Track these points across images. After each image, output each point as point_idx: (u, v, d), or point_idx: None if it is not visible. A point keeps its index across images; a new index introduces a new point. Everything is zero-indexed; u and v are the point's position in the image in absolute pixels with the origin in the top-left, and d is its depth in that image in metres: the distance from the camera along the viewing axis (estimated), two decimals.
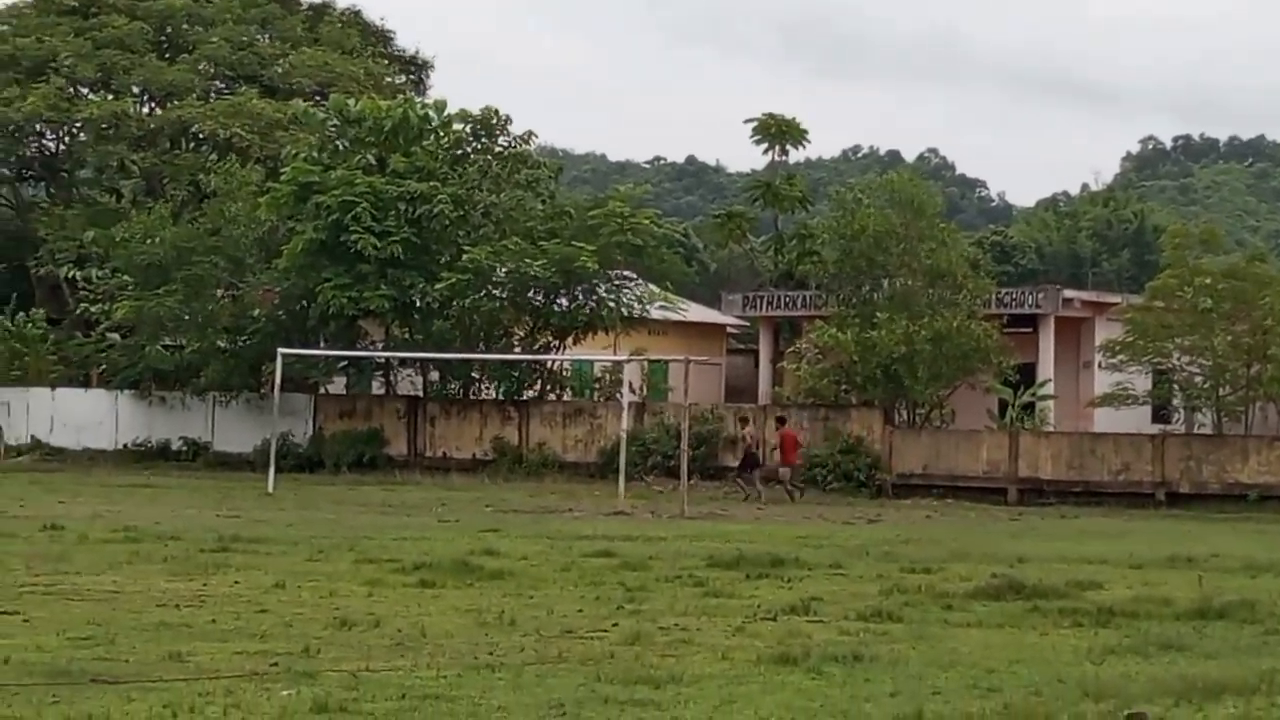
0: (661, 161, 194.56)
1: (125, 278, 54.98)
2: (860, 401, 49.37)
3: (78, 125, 66.56)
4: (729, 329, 68.68)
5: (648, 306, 53.40)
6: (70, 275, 60.49)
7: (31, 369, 58.91)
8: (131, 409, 56.37)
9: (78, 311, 59.94)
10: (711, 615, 18.74)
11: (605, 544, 27.67)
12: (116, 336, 57.00)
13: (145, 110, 66.96)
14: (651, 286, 53.98)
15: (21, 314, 60.18)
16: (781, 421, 48.02)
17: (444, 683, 14.04)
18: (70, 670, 14.38)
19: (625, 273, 53.31)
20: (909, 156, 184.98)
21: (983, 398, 51.28)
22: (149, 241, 54.13)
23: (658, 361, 54.00)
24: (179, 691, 13.44)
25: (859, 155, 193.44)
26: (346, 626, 17.44)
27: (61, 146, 69.55)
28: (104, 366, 58.52)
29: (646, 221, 52.75)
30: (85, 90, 66.64)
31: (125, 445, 55.64)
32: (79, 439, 56.11)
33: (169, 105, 65.72)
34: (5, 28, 67.59)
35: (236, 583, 21.42)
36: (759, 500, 44.07)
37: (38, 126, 67.16)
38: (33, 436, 56.61)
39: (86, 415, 56.72)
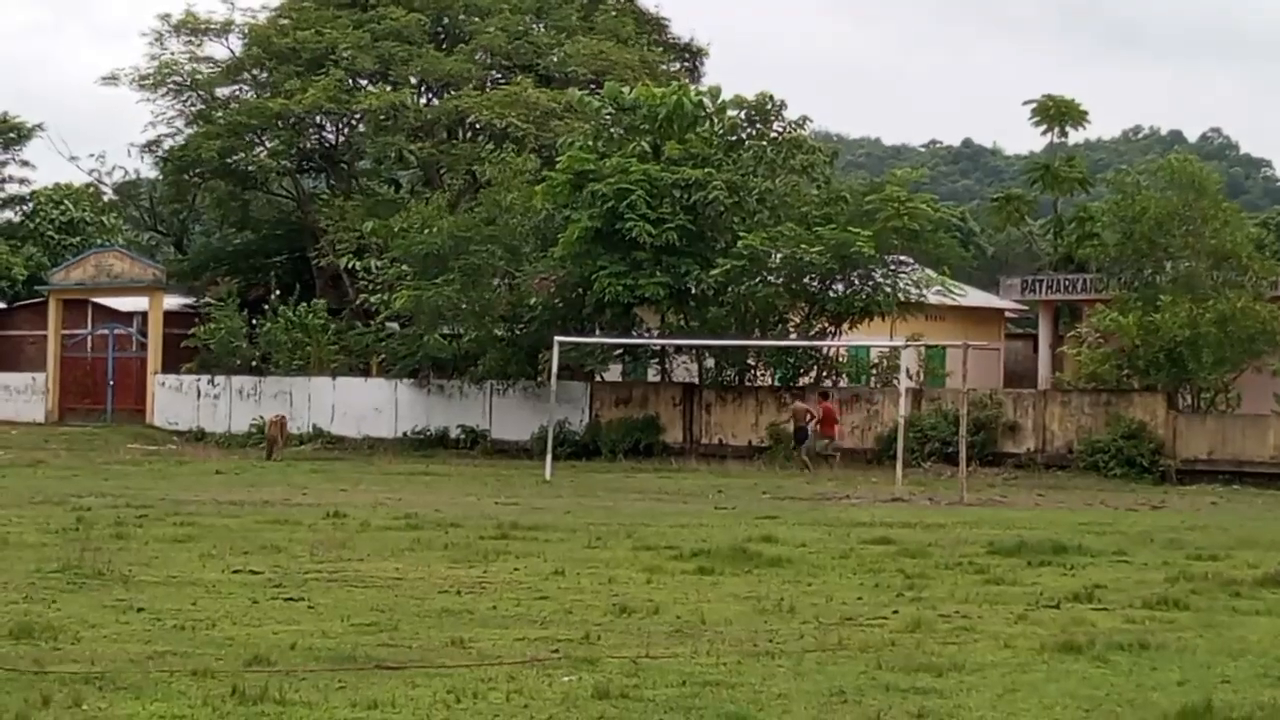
0: (937, 145, 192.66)
1: (404, 268, 55.95)
2: (1143, 386, 48.40)
3: (357, 117, 67.87)
4: (1007, 314, 67.90)
5: (924, 291, 52.91)
6: (350, 266, 61.67)
7: (313, 359, 60.11)
8: (410, 398, 57.31)
9: (358, 302, 61.08)
10: (993, 603, 18.56)
11: (884, 531, 27.53)
12: (395, 326, 58.01)
13: (423, 101, 68.10)
14: (928, 271, 53.44)
15: (303, 305, 61.40)
16: (825, 396, 50.13)
17: (724, 670, 14.08)
18: (355, 656, 14.68)
19: (901, 257, 52.86)
20: (1191, 137, 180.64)
21: (1270, 381, 49.93)
22: (427, 231, 55.01)
23: (935, 347, 53.54)
24: (462, 677, 13.66)
25: (1140, 136, 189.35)
26: (626, 613, 17.57)
27: (341, 138, 71.01)
28: (383, 356, 59.61)
29: (923, 206, 52.24)
30: (364, 82, 67.98)
31: (404, 434, 56.54)
32: (359, 428, 57.17)
33: (446, 95, 66.76)
34: (286, 21, 69.21)
35: (516, 569, 21.70)
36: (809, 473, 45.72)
37: (318, 119, 68.72)
38: (314, 425, 57.76)
39: (366, 404, 57.78)
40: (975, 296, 63.50)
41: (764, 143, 54.96)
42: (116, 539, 24.49)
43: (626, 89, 55.31)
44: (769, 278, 51.50)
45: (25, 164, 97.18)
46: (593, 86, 62.62)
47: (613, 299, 50.76)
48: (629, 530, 27.34)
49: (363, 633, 16.21)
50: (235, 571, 21.07)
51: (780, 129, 55.40)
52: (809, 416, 48.78)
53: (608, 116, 55.38)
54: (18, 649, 14.80)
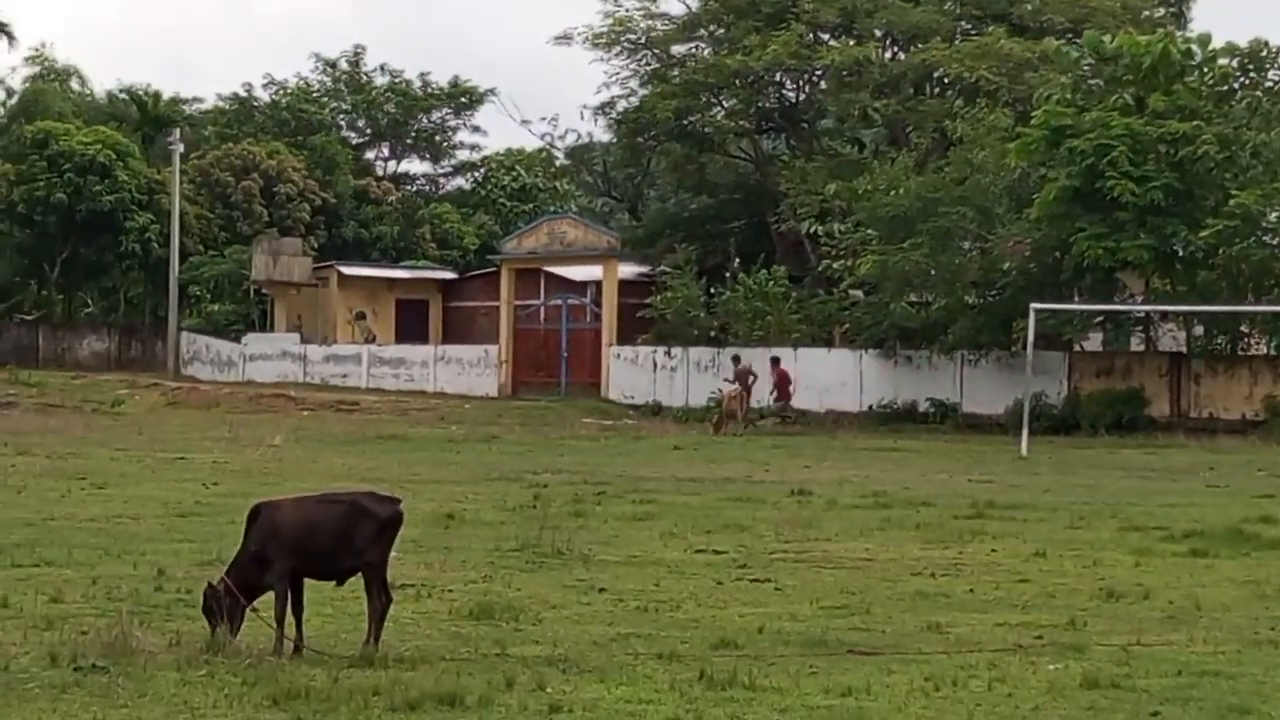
0: None
1: (868, 232, 55.91)
2: None
3: (818, 73, 68.04)
4: None
5: None
6: (812, 230, 61.89)
7: (774, 328, 60.42)
8: (876, 369, 57.20)
9: (819, 268, 61.21)
10: None
11: None
12: (860, 294, 58.00)
13: (888, 55, 67.87)
14: None
15: (763, 272, 61.75)
16: (775, 361, 55.51)
17: (1222, 659, 13.79)
18: (826, 640, 14.78)
19: None
20: None
21: None
22: (892, 193, 54.80)
23: None
24: (939, 664, 13.64)
25: None
26: (1113, 598, 17.34)
27: (801, 96, 71.22)
28: (847, 325, 59.64)
29: None
30: (826, 36, 68.05)
31: (870, 407, 56.46)
32: (822, 400, 57.18)
33: (913, 49, 66.33)
34: None
35: (993, 551, 21.56)
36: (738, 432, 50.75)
37: (778, 76, 68.95)
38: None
39: (829, 376, 57.80)
40: None
41: (1258, 93, 53.28)
42: (575, 516, 25.08)
43: (1107, 37, 54.16)
44: (1264, 238, 49.93)
45: (476, 129, 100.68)
46: (1070, 35, 61.56)
47: (1093, 263, 49.81)
48: (1114, 510, 26.88)
49: (833, 616, 16.30)
50: (698, 551, 21.40)
51: (1277, 78, 53.63)
52: (751, 379, 53.63)
53: (1087, 67, 54.34)
54: (479, 630, 15.29)
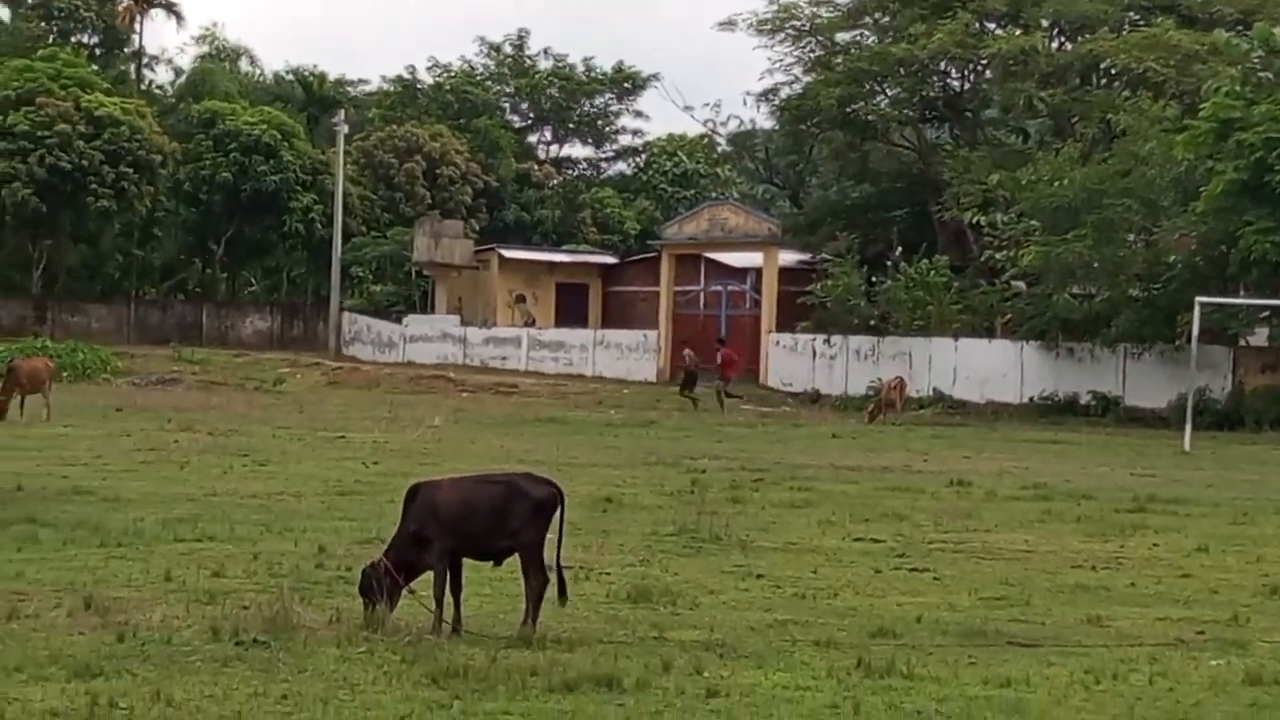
0: None
1: (1032, 222, 55.48)
2: None
3: (984, 62, 67.56)
4: None
5: None
6: (975, 220, 61.47)
7: (935, 319, 60.12)
8: (1038, 361, 56.72)
9: (982, 258, 60.86)
10: None
11: None
12: (1022, 285, 57.56)
13: (1054, 45, 67.22)
14: None
15: (925, 261, 61.43)
16: (721, 343, 59.91)
17: None
18: (985, 631, 14.70)
19: None
20: None
21: None
22: (1057, 184, 54.38)
23: None
24: (1099, 657, 13.54)
25: None
26: (1277, 594, 17.18)
27: (966, 85, 70.76)
28: (1009, 316, 59.23)
29: None
30: (992, 25, 67.55)
31: (1030, 399, 56.04)
32: (982, 391, 56.88)
33: (1080, 39, 65.71)
34: None
35: (1155, 545, 21.36)
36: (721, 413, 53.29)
37: (943, 65, 68.56)
38: (935, 389, 57.78)
39: (990, 367, 57.44)
40: None
41: None
42: (732, 503, 25.09)
43: (1278, 30, 53.32)
44: None
45: (639, 114, 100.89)
46: (1240, 27, 60.59)
47: (1259, 257, 49.04)
48: (1277, 506, 26.59)
49: (991, 607, 16.21)
50: (856, 539, 21.35)
51: None
52: (689, 360, 58.13)
53: (1256, 60, 53.46)
54: (636, 613, 15.33)
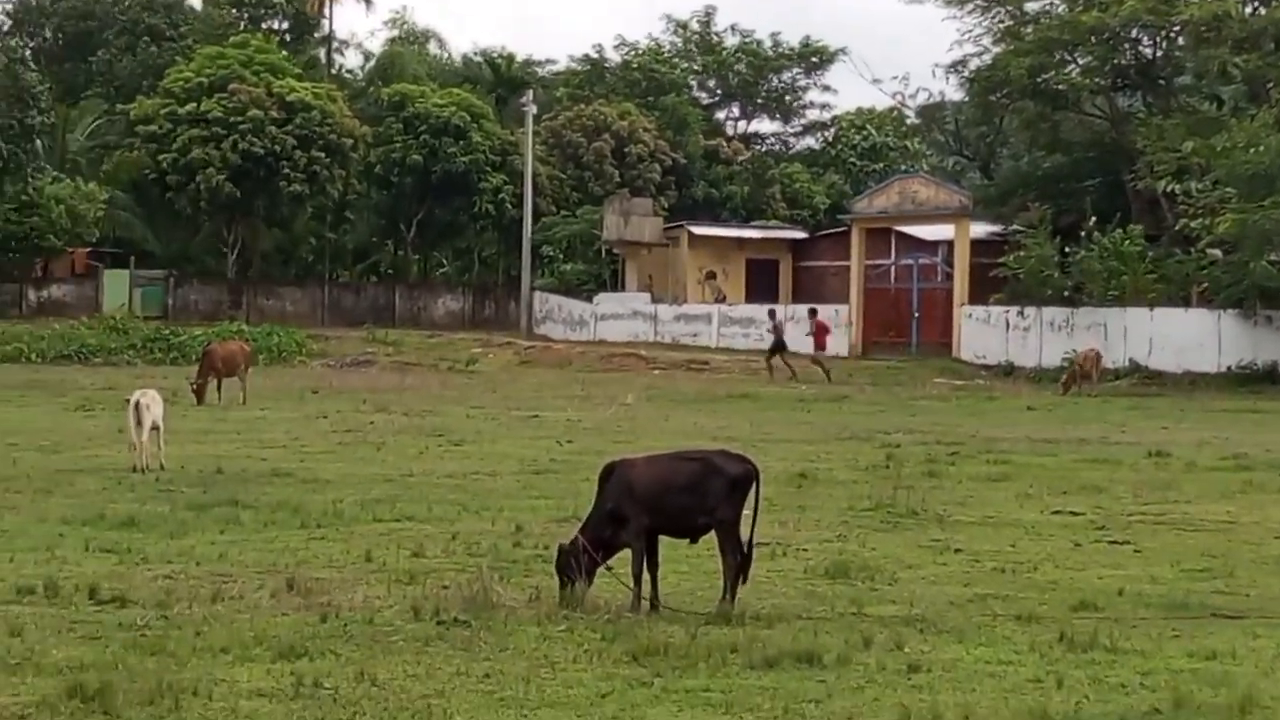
0: None
1: (1227, 190, 54.59)
2: None
3: (1176, 29, 66.46)
4: None
5: None
6: (1169, 189, 60.59)
7: (1129, 288, 59.36)
8: (1235, 329, 55.80)
9: (1176, 227, 60.01)
10: None
11: None
12: (1218, 253, 56.64)
13: (1248, 10, 65.99)
14: None
15: (1118, 231, 60.66)
16: (813, 313, 61.26)
17: None
18: (1188, 603, 14.53)
19: None
20: None
21: None
22: (1252, 150, 53.44)
23: None
24: None
25: None
26: None
27: (1159, 52, 69.65)
28: (1205, 285, 58.33)
29: None
30: None
31: (1228, 368, 55.14)
32: (1179, 361, 56.08)
33: (1274, 3, 64.51)
34: None
35: None
36: (793, 378, 55.32)
37: (1134, 32, 67.54)
38: (1130, 359, 57.04)
39: (1187, 336, 56.62)
40: None
41: None
42: (928, 477, 24.98)
43: None
44: None
45: (826, 89, 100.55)
46: None
47: None
48: None
49: (1194, 579, 16.02)
50: (1054, 512, 21.16)
51: None
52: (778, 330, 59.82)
53: None
54: (834, 589, 15.31)
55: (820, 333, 59.37)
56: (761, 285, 77.25)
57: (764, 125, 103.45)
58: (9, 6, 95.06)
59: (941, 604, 14.57)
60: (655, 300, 75.44)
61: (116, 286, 77.10)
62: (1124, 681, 11.70)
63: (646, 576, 14.12)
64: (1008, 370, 59.59)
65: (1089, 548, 18.22)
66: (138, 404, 25.04)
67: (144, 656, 12.21)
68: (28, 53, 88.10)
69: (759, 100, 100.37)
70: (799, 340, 59.76)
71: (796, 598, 14.85)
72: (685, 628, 13.06)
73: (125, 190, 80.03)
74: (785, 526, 19.12)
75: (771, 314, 62.99)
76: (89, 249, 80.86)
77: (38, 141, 77.04)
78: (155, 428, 25.20)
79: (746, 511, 14.33)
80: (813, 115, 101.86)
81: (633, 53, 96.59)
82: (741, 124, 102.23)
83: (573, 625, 13.27)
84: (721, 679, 11.66)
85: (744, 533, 14.21)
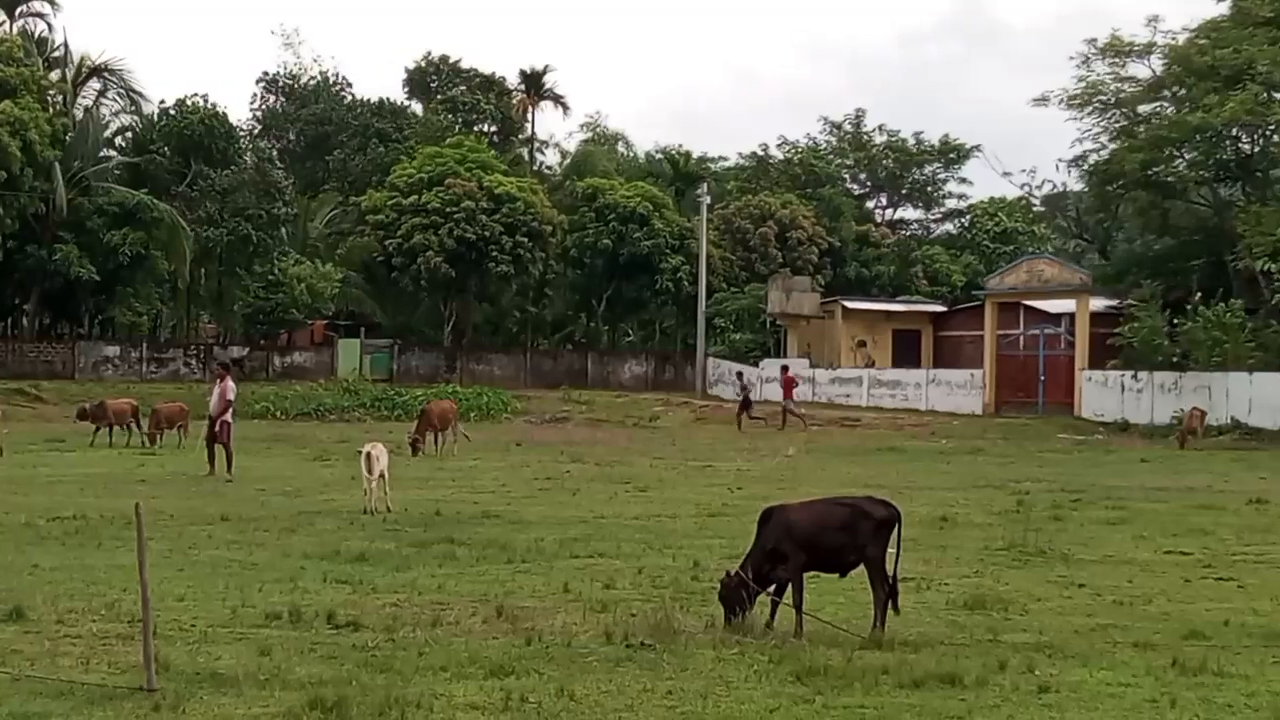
0: None
1: None
2: None
3: (1271, 127, 65.57)
4: None
5: None
6: (1265, 268, 59.66)
7: (1230, 355, 58.49)
8: None
9: (1273, 301, 59.06)
10: None
11: None
12: None
13: None
14: None
15: (1221, 305, 59.86)
16: (785, 369, 64.03)
17: None
18: None
19: None
20: None
21: None
22: None
23: None
24: None
25: None
26: None
27: (1256, 148, 68.74)
28: None
29: None
30: (1278, 95, 65.51)
31: None
32: (1275, 419, 55.07)
33: None
34: (1205, 41, 67.46)
35: None
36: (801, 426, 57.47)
37: (1235, 130, 66.75)
38: (1232, 418, 56.15)
39: None
40: None
41: None
42: (1054, 520, 24.69)
43: None
44: None
45: (963, 180, 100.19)
46: None
47: None
48: None
49: None
50: (1166, 552, 20.85)
51: None
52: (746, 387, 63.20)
53: None
54: (972, 618, 15.18)
55: (788, 386, 61.70)
56: (906, 353, 76.86)
57: (908, 213, 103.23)
58: (259, 113, 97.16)
59: (1067, 632, 14.41)
60: (813, 365, 75.21)
61: (349, 354, 78.03)
62: (1230, 702, 11.52)
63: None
64: (1123, 427, 58.79)
65: (1197, 583, 17.93)
66: (368, 454, 25.36)
67: (374, 674, 12.36)
68: (275, 153, 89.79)
69: (904, 190, 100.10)
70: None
71: (939, 626, 14.74)
72: (843, 651, 13.01)
73: (357, 270, 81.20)
74: (929, 564, 18.99)
75: (739, 375, 66.92)
76: (326, 321, 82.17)
77: (283, 229, 78.56)
78: (383, 475, 25.50)
79: (890, 549, 14.29)
80: (951, 204, 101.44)
81: (793, 150, 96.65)
82: (889, 211, 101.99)
83: (744, 649, 13.26)
84: (874, 697, 11.61)
85: (889, 568, 14.19)
